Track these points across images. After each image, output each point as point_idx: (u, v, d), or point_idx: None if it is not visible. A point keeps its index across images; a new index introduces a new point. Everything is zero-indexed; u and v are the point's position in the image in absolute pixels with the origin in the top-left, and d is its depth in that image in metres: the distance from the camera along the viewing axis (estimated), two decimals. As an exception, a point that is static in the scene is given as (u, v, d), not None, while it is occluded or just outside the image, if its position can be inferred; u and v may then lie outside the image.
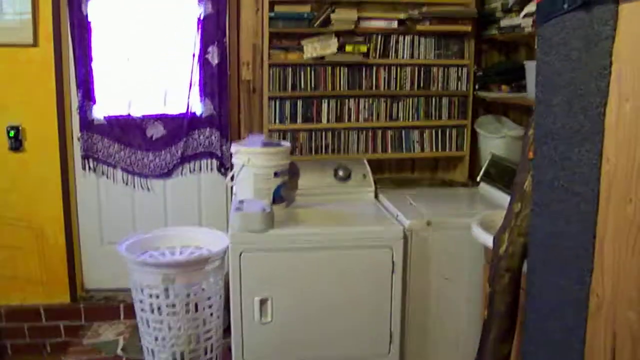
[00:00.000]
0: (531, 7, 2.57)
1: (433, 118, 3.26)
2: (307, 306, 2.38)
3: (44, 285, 3.30)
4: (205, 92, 3.21)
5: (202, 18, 3.13)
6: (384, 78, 3.18)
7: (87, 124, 3.18)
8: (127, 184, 3.30)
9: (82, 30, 3.06)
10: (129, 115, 3.21)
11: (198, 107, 3.24)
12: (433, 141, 3.28)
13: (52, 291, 3.30)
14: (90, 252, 3.36)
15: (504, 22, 2.88)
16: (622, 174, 1.18)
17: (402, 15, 3.11)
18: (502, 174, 2.77)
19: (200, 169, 3.34)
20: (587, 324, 1.31)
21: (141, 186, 3.31)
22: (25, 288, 3.28)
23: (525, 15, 2.63)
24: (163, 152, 3.26)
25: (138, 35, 3.17)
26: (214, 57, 3.17)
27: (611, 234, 1.22)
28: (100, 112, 3.19)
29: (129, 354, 2.91)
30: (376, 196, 2.94)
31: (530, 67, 2.68)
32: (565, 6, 1.35)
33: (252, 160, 2.55)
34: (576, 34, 1.32)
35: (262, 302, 2.33)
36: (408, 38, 3.16)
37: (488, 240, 1.92)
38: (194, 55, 3.16)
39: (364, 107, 3.20)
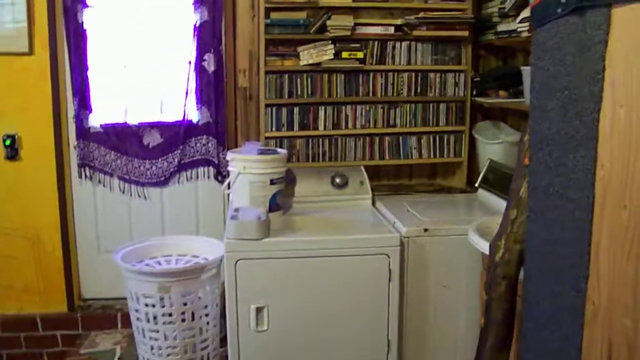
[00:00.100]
0: (527, 12, 2.56)
1: (430, 124, 3.24)
2: (304, 314, 2.35)
3: (40, 295, 3.28)
4: (201, 99, 3.20)
5: (198, 25, 3.12)
6: (381, 84, 3.17)
7: (84, 132, 3.17)
8: (123, 192, 3.29)
9: (77, 38, 3.06)
10: (126, 123, 3.20)
11: (194, 115, 3.24)
12: (431, 147, 3.26)
13: (49, 300, 3.28)
14: (87, 261, 3.35)
15: (501, 27, 2.87)
16: (616, 180, 1.17)
17: (398, 21, 3.10)
18: (501, 180, 2.76)
19: (197, 177, 3.33)
20: (584, 331, 1.29)
21: (138, 194, 3.29)
22: (21, 297, 3.26)
23: (522, 20, 2.62)
24: (160, 160, 3.25)
25: (134, 43, 3.16)
26: (210, 65, 3.16)
27: (606, 240, 1.21)
28: (96, 120, 3.18)
29: (126, 364, 2.90)
30: (373, 203, 2.92)
31: (527, 72, 2.66)
32: (559, 11, 1.34)
33: (248, 168, 2.54)
34: (570, 38, 1.31)
35: (259, 311, 2.31)
36: (405, 44, 3.15)
37: (484, 247, 1.90)
38: (190, 62, 3.16)
39: (361, 113, 3.18)
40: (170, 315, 2.43)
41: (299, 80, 3.10)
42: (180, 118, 3.22)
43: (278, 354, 2.36)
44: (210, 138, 3.26)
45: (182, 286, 2.38)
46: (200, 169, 3.32)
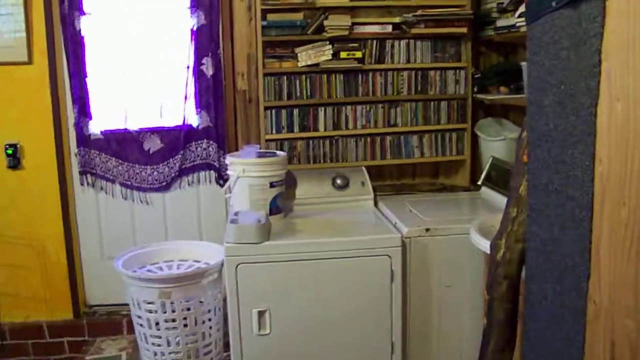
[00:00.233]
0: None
1: (432, 122, 3.21)
2: (306, 317, 2.34)
3: (46, 302, 3.29)
4: (201, 103, 3.19)
5: (195, 29, 3.11)
6: (381, 83, 3.14)
7: (84, 139, 3.16)
8: (125, 198, 3.28)
9: (75, 46, 3.05)
10: (126, 129, 3.20)
11: (194, 119, 3.22)
12: (433, 146, 3.23)
13: (55, 308, 3.29)
14: (91, 267, 3.34)
15: (500, 23, 2.84)
16: (615, 176, 1.14)
17: (396, 19, 3.07)
18: (504, 178, 2.72)
19: (199, 181, 3.31)
20: (586, 332, 1.27)
21: (140, 200, 3.29)
22: (28, 305, 3.27)
23: (521, 15, 2.59)
24: (161, 165, 3.24)
25: (132, 49, 3.16)
26: (208, 68, 3.15)
27: (606, 239, 1.18)
28: (96, 127, 3.18)
29: (131, 370, 2.89)
30: (376, 204, 2.90)
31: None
32: (554, 4, 1.31)
33: (247, 171, 2.52)
34: (565, 32, 1.28)
35: (260, 314, 2.30)
36: (403, 42, 3.12)
37: (486, 246, 1.87)
38: (188, 67, 3.15)
39: (361, 113, 3.16)
40: (173, 321, 2.42)
41: (297, 81, 3.08)
42: (180, 123, 3.21)
43: (281, 358, 2.35)
44: (211, 142, 3.24)
45: (183, 291, 2.36)
46: (202, 174, 3.31)
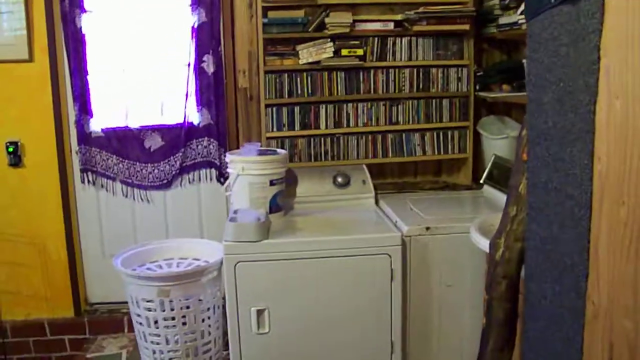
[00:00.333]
0: (528, 4, 2.51)
1: (434, 120, 3.19)
2: (305, 316, 2.32)
3: (47, 300, 3.29)
4: (202, 101, 3.18)
5: (196, 27, 3.10)
6: (382, 81, 3.12)
7: (85, 137, 3.16)
8: (126, 196, 3.28)
9: (76, 43, 3.04)
10: (127, 127, 3.19)
11: (195, 117, 3.21)
12: (435, 144, 3.21)
13: (56, 306, 3.29)
14: (92, 265, 3.34)
15: (503, 20, 2.82)
16: (614, 175, 1.12)
17: (398, 17, 3.05)
18: (506, 176, 2.69)
19: (200, 179, 3.31)
20: (584, 333, 1.25)
21: (141, 198, 3.28)
22: (29, 303, 3.27)
23: (522, 12, 2.57)
24: (162, 163, 3.23)
25: (133, 47, 3.15)
26: (209, 66, 3.14)
27: (605, 238, 1.16)
28: (97, 124, 3.17)
29: (131, 368, 2.89)
30: (377, 202, 2.88)
31: (529, 65, 2.62)
32: (553, 0, 1.30)
33: (247, 169, 2.51)
34: (564, 28, 1.26)
35: (259, 313, 2.29)
36: (405, 39, 3.10)
37: (486, 245, 1.85)
38: (189, 64, 3.14)
39: (363, 111, 3.14)
40: (171, 319, 2.41)
41: (298, 79, 3.07)
42: (180, 120, 3.20)
43: (280, 357, 2.33)
44: (212, 140, 3.24)
45: (182, 290, 2.36)
46: (203, 171, 3.30)
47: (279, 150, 2.77)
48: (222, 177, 3.24)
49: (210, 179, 3.31)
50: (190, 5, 3.08)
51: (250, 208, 2.50)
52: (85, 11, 3.04)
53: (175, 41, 3.17)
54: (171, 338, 2.41)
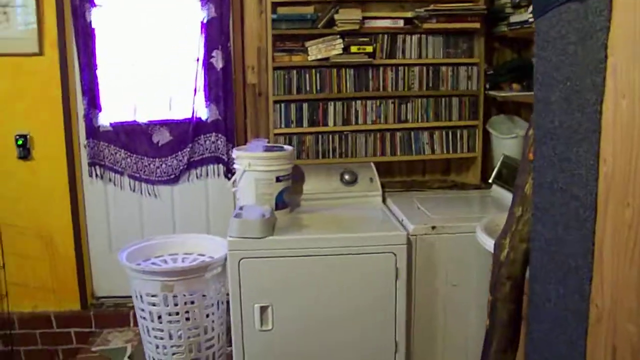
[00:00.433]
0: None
1: (443, 119, 3.17)
2: (309, 314, 2.31)
3: (54, 293, 3.31)
4: (210, 96, 3.18)
5: (205, 22, 3.10)
6: (392, 79, 3.10)
7: (93, 131, 3.17)
8: (134, 190, 3.29)
9: (86, 37, 3.05)
10: (135, 121, 3.20)
11: (203, 112, 3.21)
12: (443, 143, 3.19)
13: (63, 298, 3.31)
14: (99, 259, 3.35)
15: (514, 19, 2.79)
16: (619, 176, 1.10)
17: (408, 14, 3.03)
18: (515, 176, 2.66)
19: (207, 175, 3.31)
20: (588, 336, 1.23)
21: (148, 192, 3.29)
22: (36, 295, 3.29)
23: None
24: (169, 158, 3.24)
25: (142, 41, 3.15)
26: (218, 61, 3.13)
27: (610, 240, 1.14)
28: (106, 119, 3.18)
29: (135, 362, 2.89)
30: (384, 200, 2.86)
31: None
32: (560, -2, 1.27)
33: (253, 165, 2.50)
34: (572, 26, 1.24)
35: (263, 310, 2.28)
36: (415, 37, 3.08)
37: (492, 245, 1.83)
38: (198, 59, 3.13)
39: (372, 109, 3.12)
40: (175, 314, 2.41)
41: (307, 75, 3.06)
42: (189, 116, 3.20)
43: (283, 354, 2.32)
44: (220, 135, 3.23)
45: (186, 285, 2.35)
46: (210, 167, 3.30)
47: (285, 146, 2.76)
48: (230, 172, 3.24)
49: (218, 175, 3.31)
50: (200, 1, 3.08)
51: (256, 204, 2.49)
52: (95, 5, 3.05)
53: (184, 36, 3.17)
54: (174, 333, 2.41)
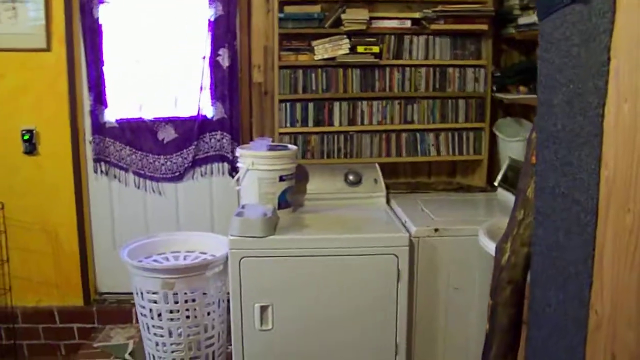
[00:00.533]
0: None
1: (449, 121, 3.14)
2: (309, 314, 2.30)
3: (58, 288, 3.32)
4: (216, 94, 3.18)
5: (212, 20, 3.09)
6: (398, 79, 3.08)
7: (99, 127, 3.17)
8: (138, 187, 3.29)
9: (93, 34, 3.06)
10: (141, 118, 3.20)
11: (209, 110, 3.21)
12: (449, 144, 3.17)
13: (66, 294, 3.32)
14: (103, 255, 3.36)
15: (522, 20, 2.77)
16: (621, 180, 1.08)
17: (416, 15, 3.01)
18: (520, 179, 2.65)
19: (212, 173, 3.30)
20: (587, 342, 1.21)
21: (153, 190, 3.29)
22: (40, 290, 3.30)
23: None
24: (174, 155, 3.24)
25: (149, 38, 3.16)
26: (224, 60, 3.13)
27: (610, 246, 1.12)
28: (111, 115, 3.19)
29: (136, 359, 2.89)
30: (388, 201, 2.85)
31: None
32: (565, -1, 1.26)
33: (256, 164, 2.49)
34: (576, 28, 1.22)
35: (263, 309, 2.27)
36: (422, 38, 3.06)
37: (493, 249, 1.81)
38: (204, 57, 3.13)
39: (377, 109, 3.11)
40: (176, 312, 2.40)
41: (313, 75, 3.05)
42: (194, 113, 3.20)
43: (283, 354, 2.32)
44: (225, 134, 3.23)
45: (186, 283, 2.35)
46: (215, 165, 3.29)
47: (289, 145, 2.75)
48: (234, 171, 3.23)
49: (223, 173, 3.30)
50: (208, -2, 3.08)
51: (259, 203, 2.49)
52: (102, 2, 3.06)
53: (191, 34, 3.17)
54: (174, 331, 2.40)
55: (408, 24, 3.01)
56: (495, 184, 2.93)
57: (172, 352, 2.43)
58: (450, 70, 3.09)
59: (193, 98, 3.19)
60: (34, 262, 3.27)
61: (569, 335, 1.29)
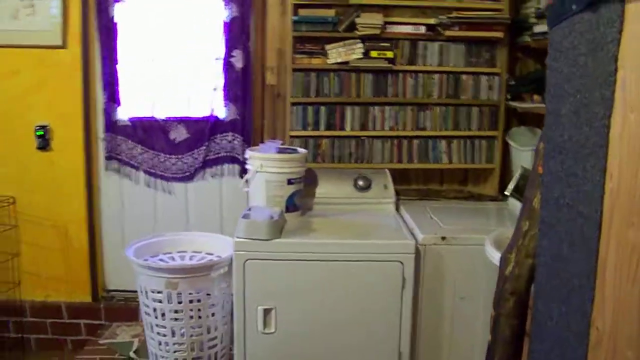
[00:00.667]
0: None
1: (462, 128, 3.12)
2: (312, 319, 2.29)
3: (66, 284, 3.33)
4: (229, 96, 3.18)
5: (227, 21, 3.10)
6: (411, 85, 3.07)
7: (112, 125, 3.19)
8: (149, 186, 3.30)
9: (108, 32, 3.08)
10: (153, 117, 3.21)
11: (221, 111, 3.21)
12: (461, 152, 3.14)
13: (74, 290, 3.33)
14: (112, 253, 3.37)
15: (537, 29, 2.73)
16: (625, 193, 1.05)
17: (431, 21, 2.99)
18: (531, 189, 2.61)
19: (222, 174, 3.30)
20: (587, 359, 1.18)
21: (163, 189, 3.29)
22: (48, 285, 3.33)
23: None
24: (185, 155, 3.24)
25: (163, 38, 3.17)
26: (238, 61, 3.13)
27: (612, 260, 1.10)
28: (124, 113, 3.20)
29: (140, 357, 2.89)
30: (397, 208, 2.83)
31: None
32: (574, 7, 1.23)
33: (265, 166, 2.49)
34: (584, 37, 1.20)
35: (266, 312, 2.26)
36: (437, 44, 3.04)
37: (499, 259, 1.79)
38: (218, 58, 3.14)
39: (390, 115, 3.09)
40: (179, 312, 2.40)
41: (326, 79, 3.04)
42: (207, 114, 3.20)
43: (285, 358, 2.30)
44: (236, 135, 3.23)
45: (190, 283, 2.35)
46: (225, 166, 3.29)
47: (299, 149, 2.74)
48: (245, 172, 3.23)
49: (233, 174, 3.30)
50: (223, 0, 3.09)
51: (266, 206, 2.48)
52: (118, 1, 3.07)
53: (205, 34, 3.17)
54: (177, 330, 2.40)
55: (423, 29, 3.00)
56: (507, 193, 2.89)
57: (175, 351, 2.43)
58: (464, 77, 3.07)
59: (205, 98, 3.20)
60: (44, 257, 3.29)
61: (570, 350, 1.27)
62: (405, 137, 3.12)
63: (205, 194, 3.33)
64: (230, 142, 3.24)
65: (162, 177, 3.28)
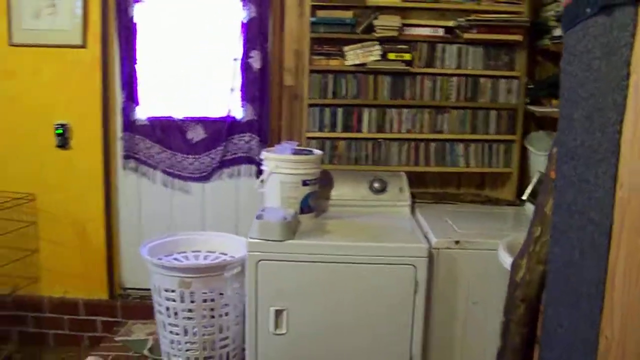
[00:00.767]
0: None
1: (480, 132, 3.09)
2: (324, 320, 2.28)
3: (84, 281, 3.37)
4: (246, 96, 3.19)
5: (245, 22, 3.11)
6: (429, 88, 3.05)
7: (130, 124, 3.22)
8: (166, 185, 3.32)
9: (127, 32, 3.11)
10: (171, 117, 3.23)
11: (239, 112, 3.23)
12: (479, 156, 3.11)
13: (92, 287, 3.37)
14: (128, 251, 3.40)
15: (557, 32, 2.70)
16: (636, 200, 1.04)
17: (449, 23, 2.97)
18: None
19: (239, 174, 3.31)
20: (596, 369, 1.16)
21: (180, 188, 3.32)
22: (66, 282, 3.37)
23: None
24: (202, 155, 3.26)
25: (182, 38, 3.19)
26: (256, 62, 3.14)
27: (622, 269, 1.08)
28: (142, 112, 3.23)
29: (154, 355, 2.91)
30: (413, 211, 2.81)
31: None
32: (588, 10, 1.21)
33: (280, 167, 2.49)
34: (598, 41, 1.18)
35: (278, 313, 2.26)
36: (455, 47, 3.01)
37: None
38: (236, 59, 3.15)
39: (407, 117, 3.07)
40: (191, 311, 2.42)
41: (343, 80, 3.04)
42: (224, 114, 3.21)
43: (296, 359, 2.30)
44: (253, 136, 3.24)
45: (203, 282, 2.36)
46: (242, 167, 3.30)
47: (315, 150, 2.74)
48: (261, 173, 3.24)
49: (250, 175, 3.31)
50: (241, 0, 3.10)
51: (281, 207, 2.48)
52: (138, 1, 3.10)
53: (223, 35, 3.19)
54: (189, 329, 2.42)
55: (441, 32, 2.98)
56: (524, 198, 2.85)
57: (187, 350, 2.45)
58: (483, 80, 3.04)
59: (223, 99, 3.21)
60: (62, 254, 3.33)
61: (579, 358, 1.24)
62: (422, 140, 3.10)
63: (222, 194, 3.35)
64: (247, 142, 3.26)
65: (179, 177, 3.30)
